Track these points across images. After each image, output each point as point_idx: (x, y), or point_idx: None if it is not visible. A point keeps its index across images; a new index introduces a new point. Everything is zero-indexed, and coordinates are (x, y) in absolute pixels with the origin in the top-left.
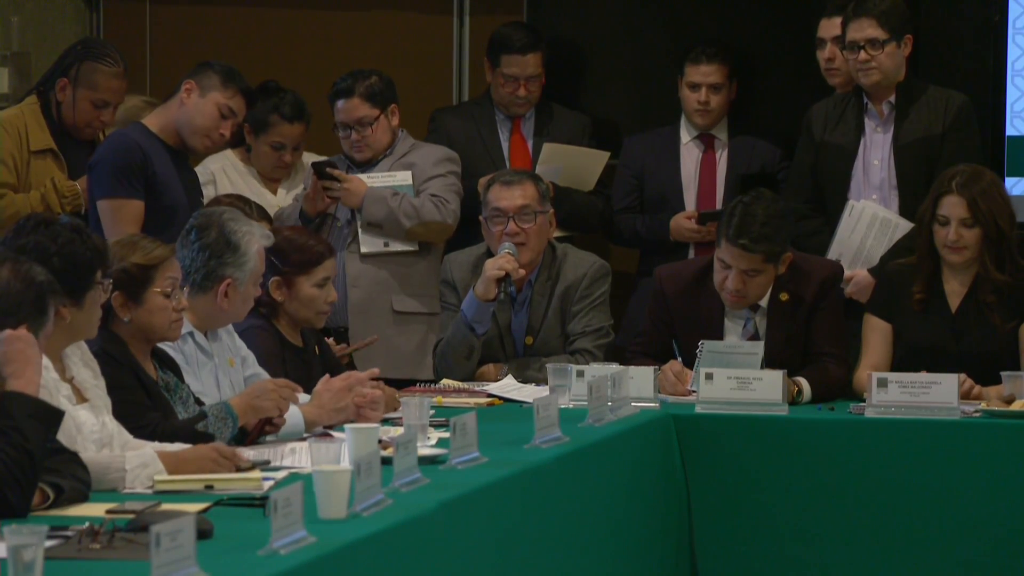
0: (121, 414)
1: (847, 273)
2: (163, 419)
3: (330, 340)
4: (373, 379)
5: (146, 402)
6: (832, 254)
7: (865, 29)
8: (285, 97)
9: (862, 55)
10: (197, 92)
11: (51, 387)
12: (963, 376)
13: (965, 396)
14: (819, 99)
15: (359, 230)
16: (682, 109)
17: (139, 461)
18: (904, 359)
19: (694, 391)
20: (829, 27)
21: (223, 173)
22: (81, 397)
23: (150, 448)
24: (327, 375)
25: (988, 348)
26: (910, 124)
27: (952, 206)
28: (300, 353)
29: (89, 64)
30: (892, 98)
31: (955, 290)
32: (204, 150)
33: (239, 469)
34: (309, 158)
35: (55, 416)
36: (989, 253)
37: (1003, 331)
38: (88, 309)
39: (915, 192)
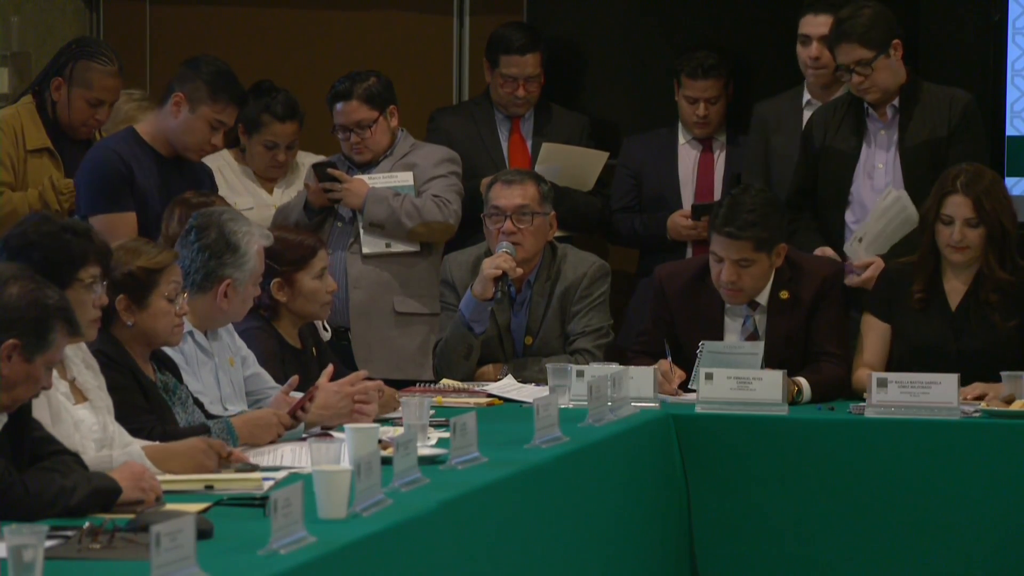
0: (117, 415)
1: (864, 259)
2: (159, 422)
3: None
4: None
5: (142, 404)
6: (857, 231)
7: (850, 53)
8: (277, 96)
9: (856, 78)
10: (187, 107)
11: None
12: (974, 386)
13: (975, 398)
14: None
15: (361, 231)
16: (679, 115)
17: (125, 459)
18: (904, 358)
19: (693, 390)
20: (814, 24)
21: (219, 173)
22: (81, 397)
23: (137, 446)
24: (329, 369)
25: (987, 347)
26: (915, 126)
27: (957, 206)
28: (298, 354)
29: (83, 63)
30: (896, 101)
31: (955, 289)
32: (197, 159)
33: (227, 462)
34: (304, 157)
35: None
36: (993, 252)
37: (1003, 330)
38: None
39: (922, 195)
